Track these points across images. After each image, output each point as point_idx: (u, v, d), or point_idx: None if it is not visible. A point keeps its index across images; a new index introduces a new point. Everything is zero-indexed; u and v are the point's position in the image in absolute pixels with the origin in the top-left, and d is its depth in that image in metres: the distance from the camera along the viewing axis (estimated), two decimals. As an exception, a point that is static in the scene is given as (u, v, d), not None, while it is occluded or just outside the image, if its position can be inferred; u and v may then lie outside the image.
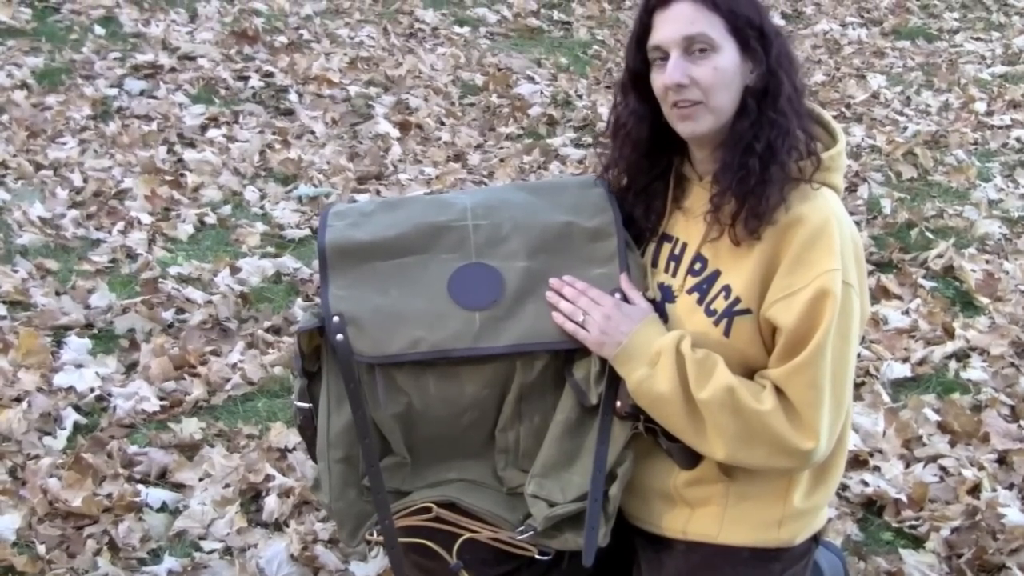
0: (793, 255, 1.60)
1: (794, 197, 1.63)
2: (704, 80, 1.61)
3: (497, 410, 1.72)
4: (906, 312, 3.54)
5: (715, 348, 1.65)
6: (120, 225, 4.01)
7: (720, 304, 1.66)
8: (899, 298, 3.65)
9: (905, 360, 3.26)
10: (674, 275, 1.75)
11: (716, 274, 1.69)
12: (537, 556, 1.73)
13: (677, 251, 1.76)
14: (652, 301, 1.73)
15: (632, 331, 1.65)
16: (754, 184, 1.61)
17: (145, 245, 3.88)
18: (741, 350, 1.65)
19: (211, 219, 4.16)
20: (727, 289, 1.66)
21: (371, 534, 1.75)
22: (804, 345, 1.58)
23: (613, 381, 1.68)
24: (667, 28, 1.63)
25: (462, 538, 1.73)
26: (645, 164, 1.78)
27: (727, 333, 1.65)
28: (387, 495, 1.72)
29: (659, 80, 1.66)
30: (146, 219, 4.07)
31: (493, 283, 1.69)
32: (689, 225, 1.74)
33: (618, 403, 1.68)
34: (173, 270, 3.69)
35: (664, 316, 1.73)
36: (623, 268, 1.73)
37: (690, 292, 1.71)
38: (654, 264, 1.78)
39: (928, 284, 3.74)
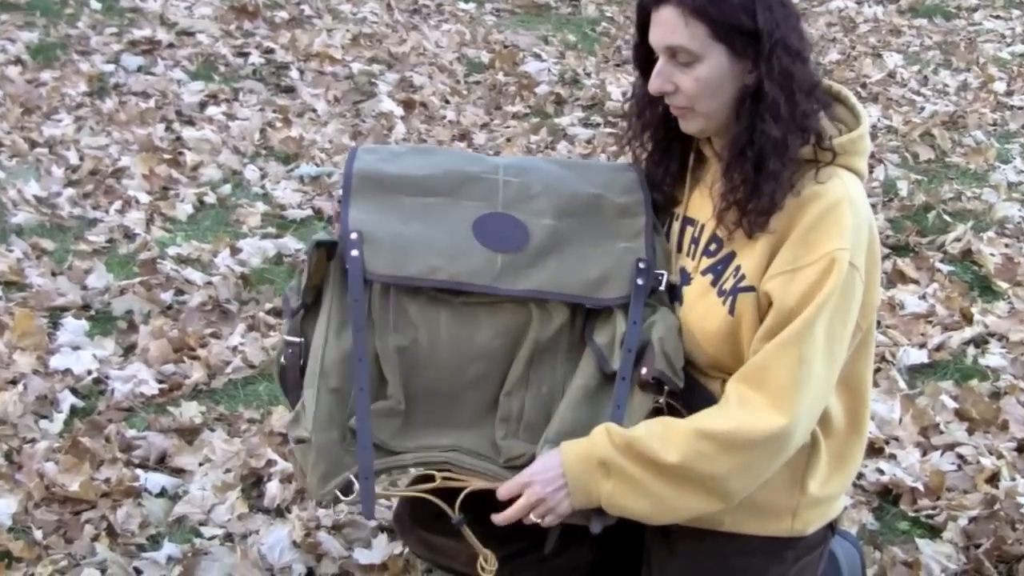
0: (800, 231, 1.61)
1: (808, 178, 1.63)
2: (687, 90, 1.64)
3: (505, 370, 1.70)
4: (923, 297, 3.53)
5: (723, 328, 1.67)
6: (117, 204, 4.00)
7: (730, 283, 1.68)
8: (916, 282, 3.64)
9: (922, 346, 3.25)
10: (692, 257, 1.76)
11: (731, 256, 1.69)
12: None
13: (697, 233, 1.77)
14: (672, 286, 1.74)
15: (561, 469, 1.61)
16: (750, 192, 1.62)
17: (143, 225, 3.87)
18: (747, 330, 1.65)
19: (211, 199, 4.14)
20: (738, 269, 1.67)
21: (345, 495, 1.64)
22: (796, 319, 1.58)
23: (635, 348, 1.67)
24: (655, 32, 1.65)
25: (465, 490, 1.68)
26: (662, 142, 1.80)
27: (732, 311, 1.66)
28: (370, 432, 1.64)
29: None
30: (144, 198, 4.05)
31: (518, 232, 1.71)
32: (707, 204, 1.74)
33: (643, 370, 1.66)
34: (172, 250, 3.68)
35: (681, 299, 1.74)
36: (648, 245, 1.74)
37: (704, 273, 1.72)
38: (678, 248, 1.79)
39: (945, 268, 3.72)
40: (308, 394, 1.67)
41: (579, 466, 1.61)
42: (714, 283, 1.70)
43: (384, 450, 1.68)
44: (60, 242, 3.73)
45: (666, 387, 1.67)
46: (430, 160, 1.78)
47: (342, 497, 1.65)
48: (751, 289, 1.65)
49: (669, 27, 1.61)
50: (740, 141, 1.64)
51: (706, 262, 1.73)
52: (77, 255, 3.63)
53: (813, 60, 1.70)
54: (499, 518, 1.64)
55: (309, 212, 4.08)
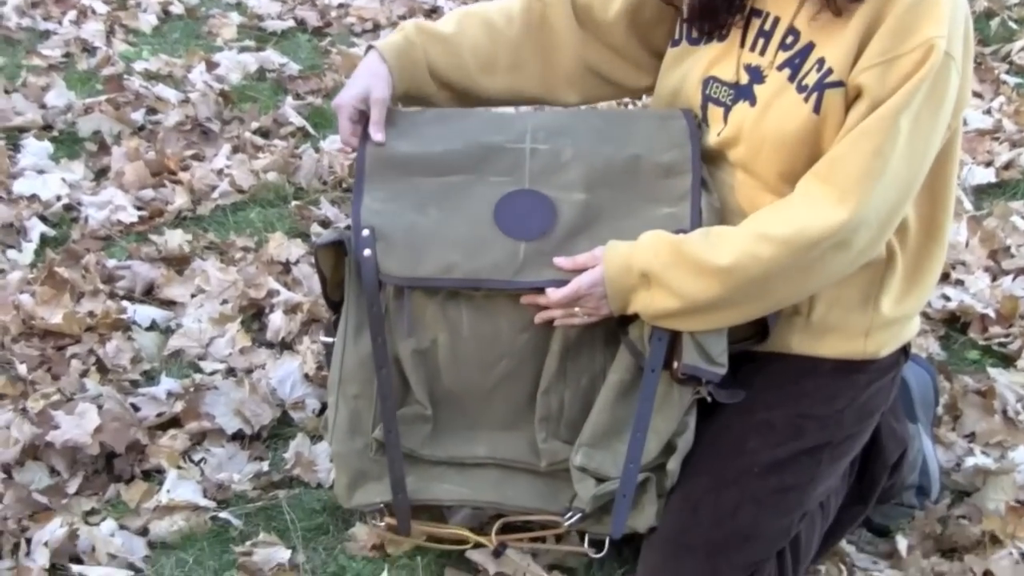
0: (895, 17, 1.56)
1: None
2: None
3: (535, 367, 1.71)
4: (987, 111, 3.51)
5: (805, 128, 1.63)
6: (72, 15, 3.90)
7: (812, 78, 1.63)
8: (979, 96, 3.61)
9: (988, 164, 3.24)
10: (763, 53, 1.71)
11: (810, 46, 1.65)
12: (591, 555, 1.79)
13: (768, 27, 1.72)
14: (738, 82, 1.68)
15: (602, 276, 1.63)
16: None
17: (103, 37, 3.78)
18: (831, 129, 1.62)
19: (177, 8, 4.05)
20: (821, 62, 1.62)
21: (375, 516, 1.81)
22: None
23: (666, 337, 1.66)
24: None
25: (501, 520, 1.79)
26: None
27: (817, 109, 1.62)
28: (399, 445, 1.72)
29: None
30: (101, 8, 3.96)
31: (545, 213, 1.69)
32: None
33: (675, 364, 1.66)
34: (139, 65, 3.60)
35: (752, 99, 1.69)
36: (694, 209, 1.70)
37: (780, 68, 1.68)
38: (741, 44, 1.74)
39: (1012, 80, 3.69)
40: (330, 402, 1.74)
41: (620, 279, 1.63)
42: (792, 78, 1.66)
43: (415, 458, 1.75)
44: (10, 57, 3.63)
45: (704, 380, 1.67)
46: (452, 130, 1.76)
47: (377, 524, 1.81)
48: (840, 84, 1.60)
49: None
50: None
51: (782, 56, 1.68)
52: (31, 71, 3.53)
53: None
54: (552, 294, 1.66)
55: (291, 23, 3.99)
